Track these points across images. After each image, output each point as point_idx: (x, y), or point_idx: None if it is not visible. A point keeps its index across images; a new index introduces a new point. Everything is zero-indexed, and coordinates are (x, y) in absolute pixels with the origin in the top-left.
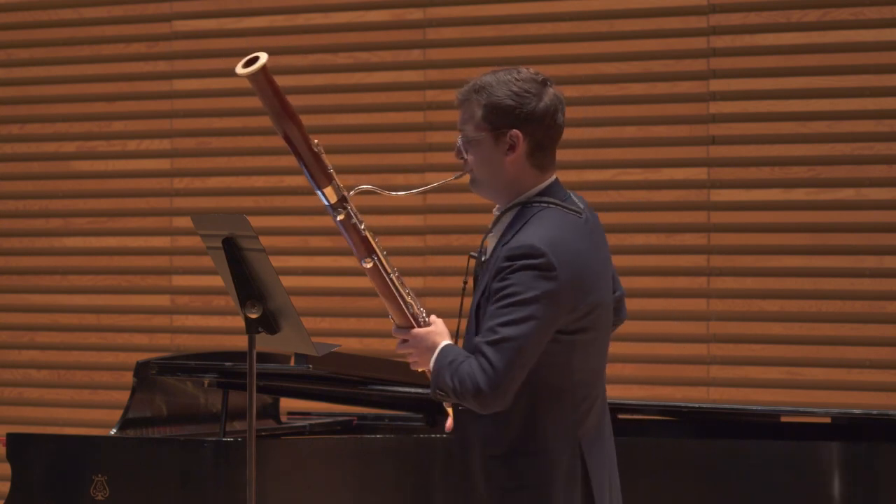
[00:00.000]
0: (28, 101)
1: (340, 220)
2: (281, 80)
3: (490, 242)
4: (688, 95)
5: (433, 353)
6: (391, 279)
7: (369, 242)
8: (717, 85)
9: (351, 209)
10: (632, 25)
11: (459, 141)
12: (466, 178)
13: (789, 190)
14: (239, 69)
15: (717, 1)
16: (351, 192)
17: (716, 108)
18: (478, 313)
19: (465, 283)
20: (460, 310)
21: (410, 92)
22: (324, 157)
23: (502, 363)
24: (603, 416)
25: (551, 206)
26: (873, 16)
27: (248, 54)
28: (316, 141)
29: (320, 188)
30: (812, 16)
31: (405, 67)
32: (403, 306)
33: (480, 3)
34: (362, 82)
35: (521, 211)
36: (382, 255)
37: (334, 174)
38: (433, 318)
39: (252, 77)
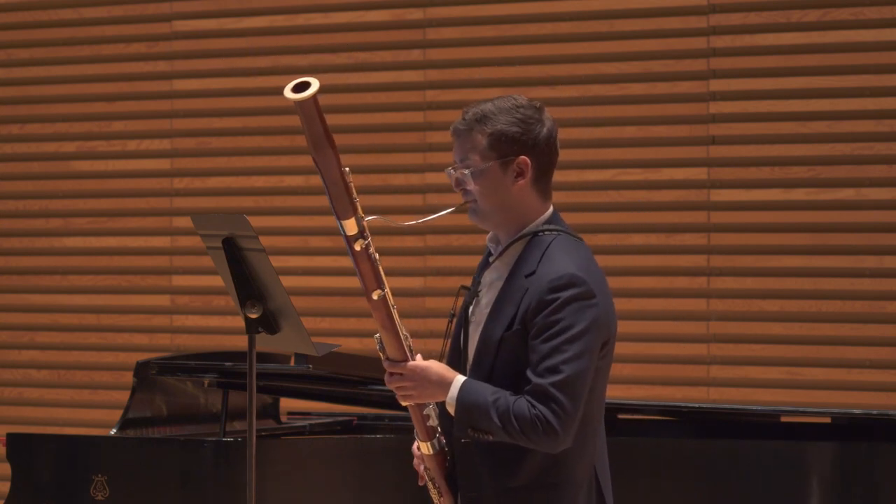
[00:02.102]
0: (28, 101)
1: (357, 252)
2: (281, 80)
3: (495, 272)
4: (688, 95)
5: (447, 387)
6: (394, 312)
7: (380, 274)
8: (717, 85)
9: (369, 241)
10: (632, 25)
11: (456, 172)
12: (466, 207)
13: (789, 190)
14: (288, 93)
15: (717, 1)
16: (364, 220)
17: (716, 108)
18: (501, 345)
19: (454, 314)
20: (445, 335)
21: (410, 92)
22: (352, 187)
23: (572, 404)
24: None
25: (562, 233)
26: (873, 16)
27: (248, 54)
28: (347, 168)
29: (342, 219)
30: (812, 16)
31: (405, 67)
32: (402, 339)
33: (480, 3)
34: (362, 82)
35: (534, 240)
36: (387, 288)
37: (359, 205)
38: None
39: (301, 103)
